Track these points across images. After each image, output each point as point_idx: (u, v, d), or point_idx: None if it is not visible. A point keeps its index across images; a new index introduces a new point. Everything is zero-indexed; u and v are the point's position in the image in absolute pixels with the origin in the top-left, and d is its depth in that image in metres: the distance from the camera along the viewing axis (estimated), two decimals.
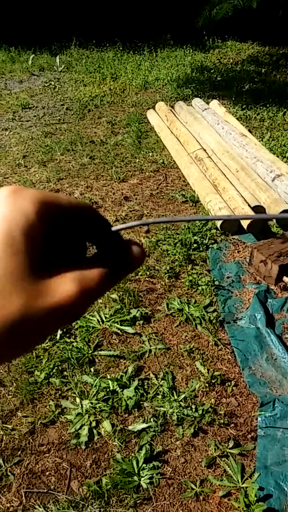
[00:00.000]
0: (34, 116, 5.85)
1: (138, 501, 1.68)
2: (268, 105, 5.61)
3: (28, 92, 6.85)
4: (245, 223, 3.09)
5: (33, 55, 8.59)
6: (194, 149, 4.11)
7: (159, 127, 4.92)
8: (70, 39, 9.25)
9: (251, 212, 3.10)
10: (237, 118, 5.00)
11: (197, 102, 5.34)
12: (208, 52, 8.91)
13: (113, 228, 0.39)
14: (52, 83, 7.21)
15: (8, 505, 1.69)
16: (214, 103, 5.23)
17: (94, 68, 7.78)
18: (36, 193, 0.33)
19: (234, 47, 9.29)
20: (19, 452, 1.88)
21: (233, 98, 5.98)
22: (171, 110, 5.20)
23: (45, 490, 1.74)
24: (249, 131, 4.71)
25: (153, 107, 5.57)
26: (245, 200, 3.25)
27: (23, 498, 1.72)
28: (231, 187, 3.42)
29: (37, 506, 1.68)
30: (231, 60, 8.32)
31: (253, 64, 7.92)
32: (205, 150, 4.10)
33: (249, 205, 3.19)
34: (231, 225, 3.17)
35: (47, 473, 1.80)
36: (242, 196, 3.30)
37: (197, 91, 6.37)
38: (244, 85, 6.57)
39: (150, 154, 4.53)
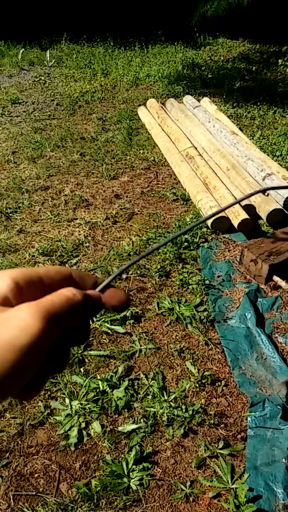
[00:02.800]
0: (24, 111, 5.78)
1: (127, 503, 1.67)
2: (258, 103, 5.61)
3: (17, 87, 6.77)
4: (235, 222, 3.08)
5: (23, 49, 8.48)
6: (185, 147, 4.09)
7: (150, 124, 4.89)
8: (60, 33, 9.15)
9: (242, 211, 3.10)
10: (228, 116, 5.00)
11: (188, 99, 5.32)
12: (199, 49, 8.89)
13: (97, 289, 0.43)
14: (42, 78, 7.13)
15: None
16: (205, 101, 5.22)
17: (84, 64, 7.71)
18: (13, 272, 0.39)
19: (225, 44, 9.28)
20: (7, 454, 1.85)
21: (224, 96, 5.98)
22: (162, 107, 5.17)
23: (34, 493, 1.72)
24: (240, 129, 4.70)
25: (144, 104, 5.54)
26: (236, 199, 3.24)
27: (11, 501, 1.69)
28: (222, 186, 3.41)
29: (25, 509, 1.66)
30: (222, 58, 8.31)
31: (244, 62, 7.92)
32: (196, 148, 4.08)
33: (239, 204, 3.18)
34: (221, 224, 3.17)
35: (36, 475, 1.78)
36: (233, 195, 3.29)
37: (188, 88, 6.35)
38: (235, 82, 6.57)
39: (141, 151, 4.51)
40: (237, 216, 3.07)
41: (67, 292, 0.39)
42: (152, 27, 9.40)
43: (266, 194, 0.52)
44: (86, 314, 0.41)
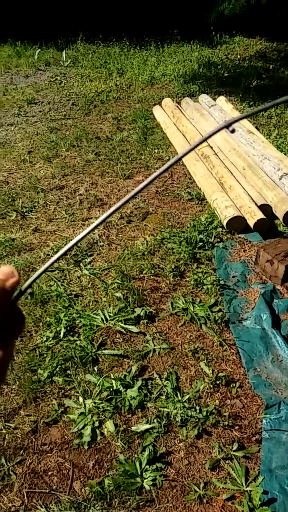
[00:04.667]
0: (40, 111, 5.83)
1: (140, 503, 1.66)
2: None
3: (34, 87, 6.83)
4: (251, 222, 3.05)
5: (39, 49, 8.55)
6: (200, 146, 4.06)
7: (165, 124, 4.88)
8: (76, 33, 9.20)
9: (258, 211, 3.06)
10: None
11: (204, 98, 5.29)
12: (216, 48, 8.83)
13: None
14: (58, 78, 7.17)
15: (10, 504, 1.68)
16: (221, 100, 5.18)
17: (100, 63, 7.73)
18: None
19: (241, 42, 9.20)
20: (22, 451, 1.87)
21: (241, 95, 5.92)
22: (177, 107, 5.15)
23: (47, 490, 1.72)
24: (256, 128, 4.66)
25: (160, 103, 5.52)
26: (252, 199, 3.21)
27: (25, 498, 1.71)
28: (237, 185, 3.38)
29: (39, 507, 1.66)
30: (239, 56, 8.24)
31: (261, 60, 7.84)
32: (211, 148, 4.06)
33: (255, 204, 3.15)
34: (237, 224, 3.13)
35: (49, 473, 1.79)
36: (248, 195, 3.26)
37: (204, 87, 6.31)
38: (252, 81, 6.50)
39: (156, 151, 4.50)
40: (253, 216, 3.04)
41: None
42: (168, 26, 9.37)
43: (231, 130, 0.49)
44: (5, 298, 0.40)
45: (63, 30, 9.22)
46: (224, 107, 4.94)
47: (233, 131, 0.44)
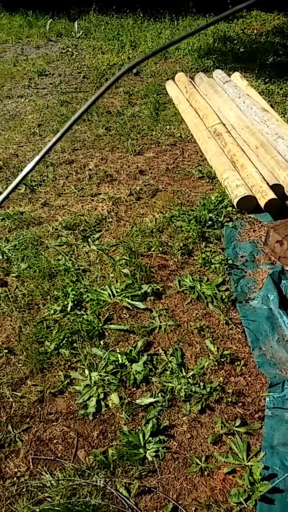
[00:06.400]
0: (50, 83, 5.73)
1: (143, 473, 1.70)
2: None
3: (44, 58, 6.69)
4: (262, 202, 3.01)
5: (51, 20, 8.34)
6: (213, 123, 3.99)
7: (177, 99, 4.78)
8: (89, 4, 8.93)
9: (269, 191, 3.02)
10: (259, 92, 4.82)
11: (218, 74, 5.15)
12: (232, 22, 8.55)
13: None
14: (70, 49, 7.02)
15: (16, 470, 1.73)
16: (236, 76, 5.04)
17: (113, 35, 7.53)
18: None
19: (259, 17, 8.89)
20: (28, 420, 1.91)
21: (256, 71, 5.76)
22: (190, 82, 5.03)
23: (52, 458, 1.77)
24: (271, 106, 4.54)
25: (172, 78, 5.39)
26: (264, 178, 3.16)
27: (31, 464, 1.75)
28: (249, 164, 3.32)
29: (43, 473, 1.71)
30: (255, 31, 7.98)
31: (278, 36, 7.58)
32: (224, 125, 3.97)
33: (267, 183, 3.10)
34: (248, 203, 3.09)
35: (55, 441, 1.83)
36: (260, 174, 3.21)
37: (218, 62, 6.14)
38: (268, 57, 6.31)
39: (168, 127, 4.42)
40: (264, 196, 3.00)
41: None
42: None
43: (134, 72, 0.48)
44: None
45: (75, 0, 8.96)
46: (239, 84, 4.82)
47: (136, 73, 0.45)
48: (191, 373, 2.04)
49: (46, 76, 6.00)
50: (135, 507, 1.60)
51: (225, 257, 2.73)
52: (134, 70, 0.43)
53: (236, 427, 1.84)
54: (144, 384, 2.02)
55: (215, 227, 3.01)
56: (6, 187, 3.51)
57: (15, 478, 1.70)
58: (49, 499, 1.62)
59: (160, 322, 2.33)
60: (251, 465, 1.69)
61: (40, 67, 6.20)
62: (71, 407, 1.95)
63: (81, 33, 7.75)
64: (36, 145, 4.16)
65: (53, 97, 5.28)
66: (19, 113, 4.86)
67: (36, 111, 4.89)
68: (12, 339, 2.26)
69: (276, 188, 3.11)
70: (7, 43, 7.54)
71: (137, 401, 1.94)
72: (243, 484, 1.64)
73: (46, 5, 8.78)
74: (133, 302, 2.43)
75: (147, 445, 1.77)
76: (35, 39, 7.68)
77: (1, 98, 5.29)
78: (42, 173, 3.71)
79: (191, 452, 1.78)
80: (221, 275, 2.60)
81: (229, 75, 5.14)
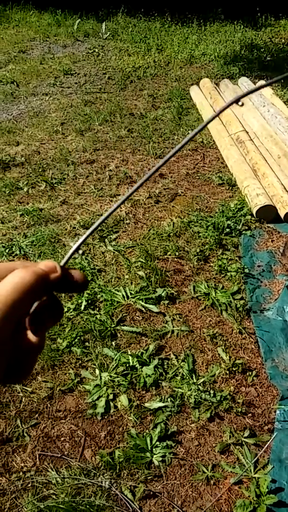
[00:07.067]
0: (75, 83, 5.78)
1: (149, 477, 1.69)
2: None
3: (71, 57, 6.76)
4: (282, 212, 2.98)
5: (79, 20, 8.42)
6: (236, 131, 3.97)
7: (201, 105, 4.77)
8: (118, 5, 9.00)
9: None
10: (285, 102, 4.79)
11: (243, 81, 5.14)
12: (260, 30, 8.52)
13: (61, 263, 0.43)
14: (96, 50, 7.07)
15: (23, 464, 1.74)
16: (262, 84, 5.01)
17: (140, 38, 7.57)
18: None
19: (287, 26, 8.85)
20: (37, 415, 1.92)
21: (282, 81, 5.72)
22: (215, 88, 5.02)
23: (59, 455, 1.77)
24: None
25: (197, 83, 5.39)
26: (285, 188, 3.13)
27: (37, 460, 1.76)
28: (271, 173, 3.30)
29: (49, 469, 1.72)
30: (283, 40, 7.94)
31: None
32: (247, 133, 3.96)
33: None
34: (267, 213, 3.07)
35: (62, 439, 1.84)
36: (282, 184, 3.18)
37: (244, 69, 6.12)
38: None
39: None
40: (284, 206, 2.97)
41: (12, 278, 0.39)
42: (212, 4, 9.07)
43: (240, 104, 0.48)
44: (46, 290, 0.42)
45: (104, 1, 9.04)
46: (264, 92, 4.79)
47: (242, 104, 0.46)
48: (201, 380, 2.03)
49: (72, 75, 6.06)
50: (139, 510, 1.60)
51: (242, 266, 2.71)
52: (240, 103, 0.45)
53: (245, 437, 1.82)
54: (153, 388, 2.01)
55: (233, 234, 2.99)
56: (27, 184, 3.55)
57: (21, 473, 1.71)
58: (54, 496, 1.62)
59: (173, 326, 2.32)
60: (258, 477, 1.67)
61: (66, 66, 6.26)
62: (80, 405, 1.96)
63: (108, 34, 7.80)
64: (58, 143, 4.19)
65: (77, 96, 5.32)
66: (43, 111, 4.91)
67: (60, 109, 4.94)
68: None
69: None
70: (35, 41, 7.63)
71: (146, 405, 1.94)
72: (249, 496, 1.62)
73: (75, 5, 8.88)
74: (146, 305, 2.43)
75: (154, 449, 1.76)
76: (63, 38, 7.76)
77: (27, 95, 5.35)
78: (62, 171, 3.74)
79: (198, 459, 1.76)
80: (236, 284, 2.58)
81: (255, 83, 5.12)
